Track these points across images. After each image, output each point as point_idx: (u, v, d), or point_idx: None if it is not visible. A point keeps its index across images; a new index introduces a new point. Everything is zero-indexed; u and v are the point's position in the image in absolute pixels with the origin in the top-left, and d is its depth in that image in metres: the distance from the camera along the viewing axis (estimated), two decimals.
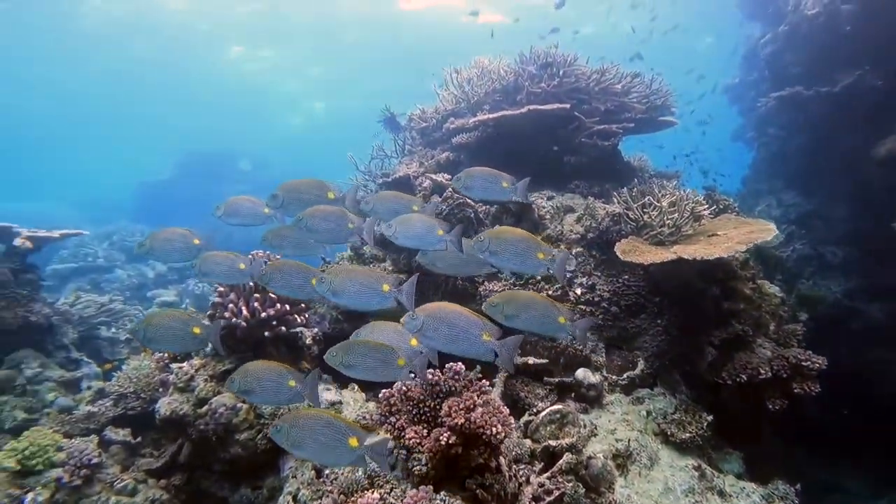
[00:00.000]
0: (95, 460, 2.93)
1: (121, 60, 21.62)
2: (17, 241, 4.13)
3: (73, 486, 2.77)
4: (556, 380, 3.08)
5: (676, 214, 3.30)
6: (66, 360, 4.12)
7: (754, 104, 7.71)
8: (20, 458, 2.74)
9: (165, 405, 2.87)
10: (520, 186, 2.65)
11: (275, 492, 2.87)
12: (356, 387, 3.08)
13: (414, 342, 2.31)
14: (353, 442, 2.00)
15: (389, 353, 2.23)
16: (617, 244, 3.27)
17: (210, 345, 2.55)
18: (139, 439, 3.35)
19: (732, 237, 3.15)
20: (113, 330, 5.63)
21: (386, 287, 2.28)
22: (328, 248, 2.71)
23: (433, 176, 3.55)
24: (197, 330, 2.37)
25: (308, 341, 3.20)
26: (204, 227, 2.64)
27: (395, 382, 2.45)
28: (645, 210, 3.44)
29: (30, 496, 2.66)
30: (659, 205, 3.35)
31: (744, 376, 3.05)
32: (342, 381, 3.12)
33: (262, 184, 21.07)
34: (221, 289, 2.89)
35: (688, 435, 2.78)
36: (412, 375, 2.29)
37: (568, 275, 3.37)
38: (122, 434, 3.32)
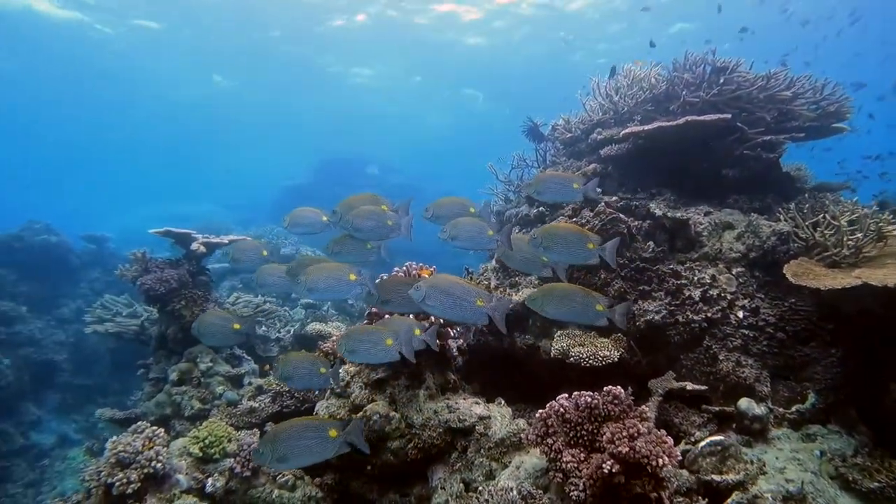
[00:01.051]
0: None
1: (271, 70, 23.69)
2: (194, 246, 4.60)
3: (244, 477, 3.01)
4: (717, 408, 2.89)
5: (859, 234, 2.98)
6: (231, 356, 4.52)
7: None
8: (202, 446, 3.03)
9: (324, 408, 3.04)
10: (589, 186, 2.77)
11: (422, 500, 2.94)
12: (502, 401, 3.08)
13: (417, 332, 2.55)
14: (333, 433, 2.21)
15: (379, 335, 2.47)
16: (786, 266, 3.02)
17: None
18: None
19: None
20: (264, 328, 6.11)
21: (353, 276, 2.60)
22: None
23: None
24: (237, 326, 2.90)
25: (454, 353, 3.26)
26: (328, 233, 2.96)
27: (547, 403, 2.43)
28: (817, 228, 3.15)
29: (210, 481, 2.93)
30: (836, 223, 3.04)
31: None
32: (489, 396, 3.13)
33: (390, 188, 22.02)
34: None
35: (876, 484, 2.48)
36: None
37: (728, 296, 3.16)
38: None
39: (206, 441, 3.08)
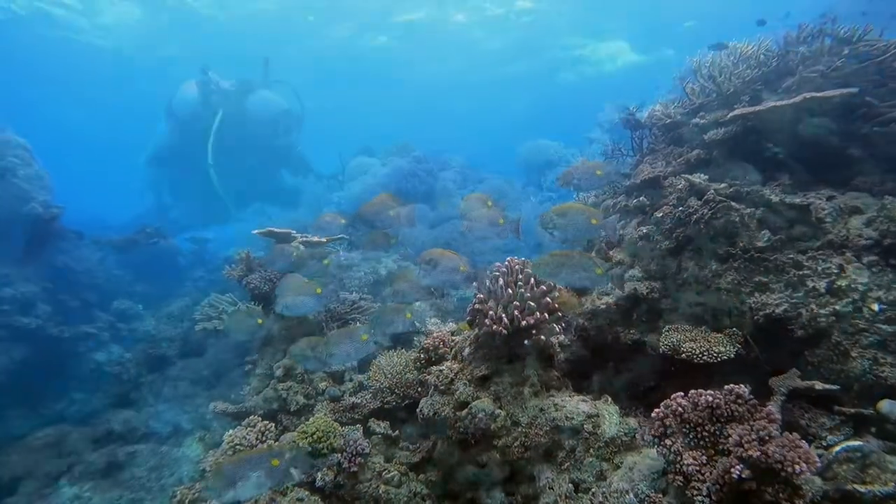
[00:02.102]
0: (367, 449, 3.22)
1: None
2: (294, 244, 4.75)
3: (350, 472, 3.07)
4: (853, 410, 2.65)
5: None
6: None
7: None
8: (310, 441, 3.11)
9: (428, 405, 3.03)
10: (612, 170, 3.18)
11: (528, 500, 2.87)
12: (608, 398, 2.96)
13: (409, 315, 2.99)
14: (275, 462, 2.29)
15: (354, 333, 2.88)
16: None
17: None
18: (397, 432, 3.61)
19: None
20: (357, 324, 6.24)
21: (318, 290, 3.21)
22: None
23: (690, 177, 3.27)
24: (260, 321, 3.34)
25: (557, 349, 3.17)
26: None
27: (662, 402, 2.31)
28: None
29: (319, 475, 3.01)
30: None
31: None
32: (594, 393, 3.03)
33: (472, 180, 21.91)
34: (481, 296, 2.98)
35: None
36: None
37: (859, 288, 2.88)
38: (382, 426, 3.61)
39: (315, 436, 3.16)
